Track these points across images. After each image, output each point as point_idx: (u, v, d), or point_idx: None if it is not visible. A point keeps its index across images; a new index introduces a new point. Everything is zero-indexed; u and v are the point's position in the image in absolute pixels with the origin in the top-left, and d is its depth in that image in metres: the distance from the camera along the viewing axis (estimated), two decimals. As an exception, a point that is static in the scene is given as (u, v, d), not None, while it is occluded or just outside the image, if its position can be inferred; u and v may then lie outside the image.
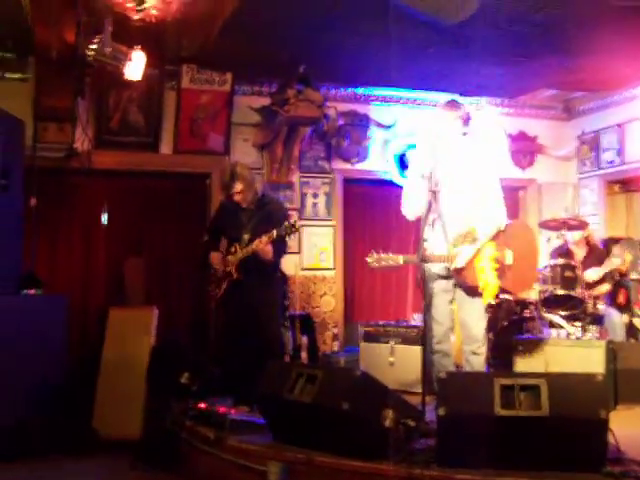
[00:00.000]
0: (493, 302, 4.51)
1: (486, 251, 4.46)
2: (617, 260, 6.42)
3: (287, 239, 5.10)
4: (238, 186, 5.15)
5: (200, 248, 5.57)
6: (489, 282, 4.42)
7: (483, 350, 4.58)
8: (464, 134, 4.60)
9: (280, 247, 5.14)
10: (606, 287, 6.44)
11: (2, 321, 5.13)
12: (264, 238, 4.91)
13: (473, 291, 4.50)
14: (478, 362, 4.54)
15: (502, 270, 4.47)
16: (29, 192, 6.05)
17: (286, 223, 4.89)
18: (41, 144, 6.39)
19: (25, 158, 5.87)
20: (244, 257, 5.06)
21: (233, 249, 5.17)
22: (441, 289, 4.56)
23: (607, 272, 6.40)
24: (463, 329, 4.61)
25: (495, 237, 4.50)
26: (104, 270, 6.90)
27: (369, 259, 4.58)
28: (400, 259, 4.53)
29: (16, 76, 6.51)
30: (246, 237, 5.12)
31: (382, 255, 4.55)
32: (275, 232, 4.87)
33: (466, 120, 4.60)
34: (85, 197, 6.90)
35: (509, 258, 4.50)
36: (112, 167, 6.84)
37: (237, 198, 5.18)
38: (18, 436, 4.96)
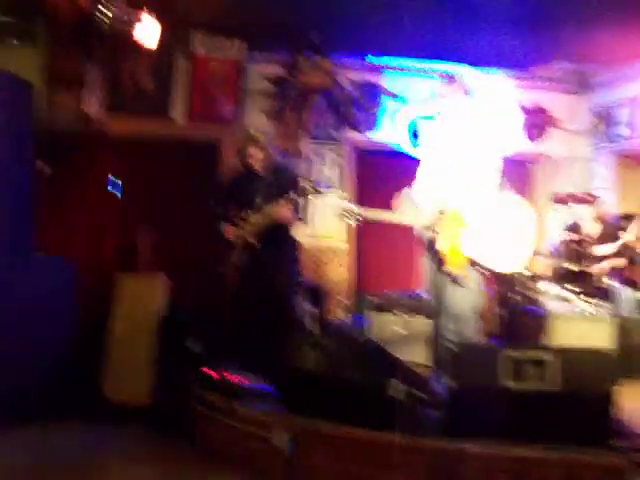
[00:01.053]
0: (455, 272, 4.36)
1: (456, 218, 4.40)
2: (629, 235, 6.39)
3: (304, 204, 5.11)
4: (255, 152, 5.16)
5: (212, 217, 5.57)
6: (455, 249, 4.35)
7: (467, 329, 4.45)
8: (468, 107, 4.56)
9: (298, 212, 5.17)
10: (621, 261, 6.39)
11: (12, 287, 5.15)
12: (284, 202, 4.93)
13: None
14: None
15: (473, 242, 4.38)
16: (40, 158, 6.04)
17: (307, 185, 4.91)
18: (52, 110, 6.36)
19: (36, 124, 5.84)
20: (261, 223, 5.07)
21: (247, 216, 5.16)
22: None
23: (620, 246, 6.37)
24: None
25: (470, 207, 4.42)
26: (116, 237, 6.91)
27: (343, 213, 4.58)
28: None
29: (27, 41, 6.48)
30: (261, 204, 5.12)
31: (362, 210, 4.55)
32: (296, 195, 4.89)
33: (467, 92, 4.56)
34: (97, 163, 6.89)
35: (486, 232, 4.40)
36: (123, 134, 6.82)
37: (253, 164, 5.18)
38: (29, 401, 4.99)
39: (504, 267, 4.51)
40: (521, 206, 4.51)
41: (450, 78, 4.61)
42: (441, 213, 4.38)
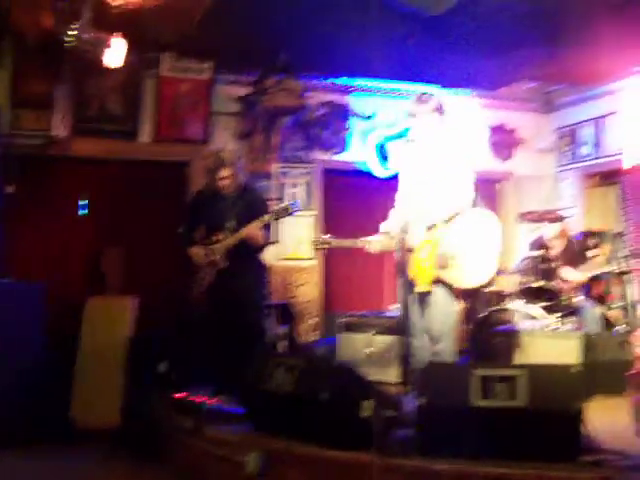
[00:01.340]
0: (422, 290, 4.39)
1: (433, 237, 4.43)
2: (601, 259, 6.51)
3: (273, 225, 5.15)
4: (225, 172, 5.16)
5: (179, 240, 5.54)
6: (427, 268, 4.38)
7: (442, 347, 4.43)
8: (440, 125, 4.59)
9: (268, 233, 5.18)
10: (582, 279, 6.50)
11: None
12: (255, 223, 4.94)
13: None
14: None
15: (444, 260, 4.41)
16: (6, 179, 5.99)
17: (280, 206, 4.94)
18: (18, 131, 6.31)
19: (1, 145, 5.79)
20: (231, 245, 5.06)
21: (217, 238, 5.15)
22: None
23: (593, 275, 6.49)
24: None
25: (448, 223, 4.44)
26: (83, 259, 6.84)
27: (313, 243, 4.62)
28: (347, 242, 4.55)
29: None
30: (230, 225, 5.13)
31: (329, 239, 4.61)
32: (267, 217, 4.91)
33: (440, 111, 4.59)
34: (63, 185, 6.83)
35: (452, 248, 4.41)
36: (90, 155, 6.78)
37: (223, 184, 5.19)
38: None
39: (471, 282, 4.50)
40: (487, 218, 4.53)
41: (422, 96, 4.64)
42: (428, 229, 4.40)
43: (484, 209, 4.59)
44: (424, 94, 4.69)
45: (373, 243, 4.57)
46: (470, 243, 4.40)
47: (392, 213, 4.68)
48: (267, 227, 5.09)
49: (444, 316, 4.47)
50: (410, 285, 4.42)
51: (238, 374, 4.16)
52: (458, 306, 4.66)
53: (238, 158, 5.38)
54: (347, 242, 4.62)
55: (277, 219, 5.02)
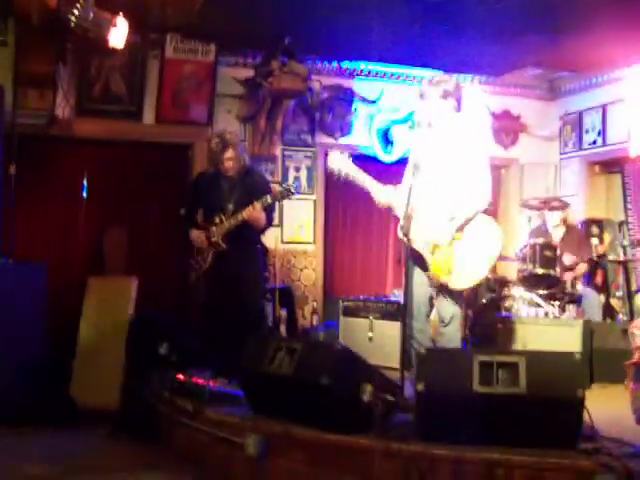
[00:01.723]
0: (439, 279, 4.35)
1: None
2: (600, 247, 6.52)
3: (275, 207, 5.15)
4: (229, 153, 5.15)
5: (180, 222, 5.53)
6: (446, 258, 4.32)
7: (448, 330, 4.43)
8: (452, 110, 4.51)
9: (270, 215, 5.18)
10: (584, 267, 6.50)
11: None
12: (257, 205, 4.93)
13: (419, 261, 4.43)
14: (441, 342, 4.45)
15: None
16: (8, 159, 5.97)
17: (282, 186, 4.93)
18: (21, 110, 6.29)
19: (4, 124, 5.78)
20: (233, 226, 5.06)
21: (218, 220, 5.15)
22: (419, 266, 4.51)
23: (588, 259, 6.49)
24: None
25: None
26: (84, 239, 6.84)
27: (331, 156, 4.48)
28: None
29: (-2, 41, 6.41)
30: (231, 207, 5.12)
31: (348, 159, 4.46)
32: (269, 198, 4.91)
33: (452, 95, 4.50)
34: (66, 165, 6.82)
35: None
36: (94, 135, 6.77)
37: (226, 165, 5.17)
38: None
39: (458, 285, 4.40)
40: (489, 227, 4.45)
41: (434, 78, 4.54)
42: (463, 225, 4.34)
43: (488, 217, 4.49)
44: (436, 76, 4.59)
45: (383, 192, 4.48)
46: (466, 249, 4.35)
47: (402, 187, 4.56)
48: (270, 209, 5.09)
49: (453, 299, 4.46)
50: (412, 269, 4.40)
51: (238, 356, 4.16)
52: (465, 291, 4.64)
53: (240, 140, 5.37)
54: (361, 176, 4.51)
55: (278, 200, 5.02)
